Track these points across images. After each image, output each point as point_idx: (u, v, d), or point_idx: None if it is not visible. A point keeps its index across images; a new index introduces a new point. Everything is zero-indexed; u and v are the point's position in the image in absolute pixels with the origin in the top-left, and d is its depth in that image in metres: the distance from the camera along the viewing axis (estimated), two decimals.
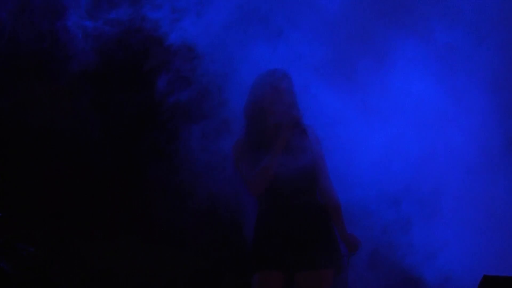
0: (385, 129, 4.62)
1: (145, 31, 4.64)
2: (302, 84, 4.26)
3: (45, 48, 4.71)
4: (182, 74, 4.65)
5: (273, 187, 4.05)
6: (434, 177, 4.65)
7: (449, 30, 4.56)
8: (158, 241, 6.03)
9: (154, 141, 5.48)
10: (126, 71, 5.25)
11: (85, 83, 5.25)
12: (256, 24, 4.59)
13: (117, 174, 5.87)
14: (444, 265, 4.73)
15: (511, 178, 4.67)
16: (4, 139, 5.44)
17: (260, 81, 4.12)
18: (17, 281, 4.36)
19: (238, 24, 4.56)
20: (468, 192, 4.68)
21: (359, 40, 4.49)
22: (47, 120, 5.47)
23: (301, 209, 4.07)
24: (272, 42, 4.57)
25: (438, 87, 4.59)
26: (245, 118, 4.17)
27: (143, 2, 4.65)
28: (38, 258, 4.87)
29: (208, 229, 5.77)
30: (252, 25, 4.57)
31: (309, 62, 4.52)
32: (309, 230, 4.05)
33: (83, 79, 5.13)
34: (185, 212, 5.62)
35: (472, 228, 4.65)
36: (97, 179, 5.92)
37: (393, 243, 4.82)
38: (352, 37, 4.49)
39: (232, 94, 4.42)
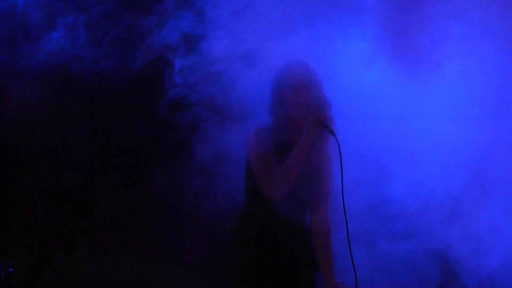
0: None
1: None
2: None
3: None
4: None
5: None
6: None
7: None
8: (154, 258, 5.74)
9: (153, 153, 5.41)
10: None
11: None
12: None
13: (110, 185, 5.69)
14: None
15: None
16: None
17: (288, 70, 3.78)
18: None
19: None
20: None
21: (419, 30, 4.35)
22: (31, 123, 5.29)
23: (293, 225, 3.73)
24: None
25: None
26: (270, 103, 3.81)
27: None
28: (18, 279, 4.47)
29: (209, 246, 5.56)
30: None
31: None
32: (290, 260, 3.73)
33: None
34: (185, 228, 5.56)
35: None
36: (87, 190, 5.69)
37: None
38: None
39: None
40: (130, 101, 5.27)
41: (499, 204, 4.45)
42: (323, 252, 3.82)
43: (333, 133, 3.57)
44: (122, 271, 5.66)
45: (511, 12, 4.28)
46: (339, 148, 3.58)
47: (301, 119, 3.66)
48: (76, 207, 5.62)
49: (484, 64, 4.36)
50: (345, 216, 3.55)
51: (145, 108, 5.24)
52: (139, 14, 4.98)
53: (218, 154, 4.47)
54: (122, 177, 5.63)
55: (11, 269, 4.20)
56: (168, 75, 4.94)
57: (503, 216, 4.45)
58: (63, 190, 5.55)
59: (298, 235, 3.76)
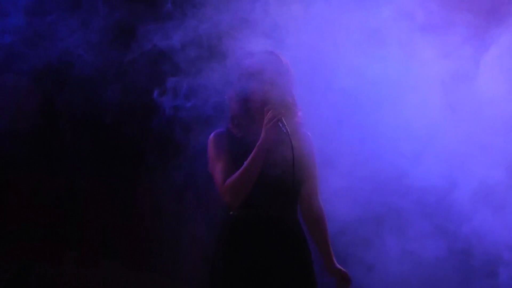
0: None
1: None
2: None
3: None
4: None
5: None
6: None
7: None
8: (145, 268, 5.59)
9: (145, 158, 5.31)
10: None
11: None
12: None
13: (99, 190, 5.51)
14: None
15: None
16: None
17: (254, 60, 3.57)
18: None
19: None
20: None
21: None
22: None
23: (275, 226, 3.52)
24: None
25: None
26: (229, 101, 3.64)
27: None
28: None
29: (204, 257, 5.37)
30: None
31: None
32: (281, 258, 3.50)
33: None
34: (181, 239, 5.45)
35: None
36: (74, 195, 5.49)
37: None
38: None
39: None
40: (119, 106, 5.18)
41: None
42: (320, 238, 3.64)
43: (288, 134, 3.38)
44: (111, 281, 5.51)
45: None
46: (292, 151, 3.38)
47: (260, 117, 3.49)
48: (62, 213, 5.42)
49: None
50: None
51: (133, 113, 5.15)
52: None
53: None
54: (111, 182, 5.50)
55: None
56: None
57: None
58: (48, 195, 5.40)
59: (286, 235, 3.54)
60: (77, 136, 5.31)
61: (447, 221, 4.56)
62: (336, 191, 4.28)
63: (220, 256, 3.51)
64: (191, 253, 5.54)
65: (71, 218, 5.44)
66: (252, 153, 3.44)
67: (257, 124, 3.54)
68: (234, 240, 3.51)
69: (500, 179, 4.37)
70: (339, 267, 3.64)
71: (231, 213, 3.54)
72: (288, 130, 3.39)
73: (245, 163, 3.44)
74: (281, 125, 3.40)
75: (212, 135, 3.61)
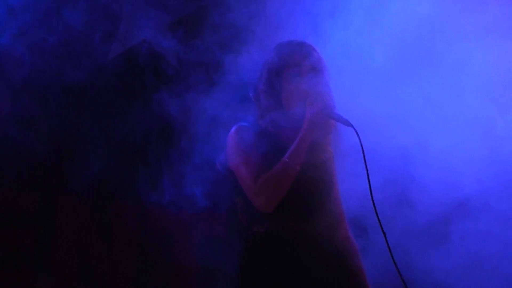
0: None
1: None
2: None
3: None
4: None
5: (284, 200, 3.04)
6: None
7: None
8: None
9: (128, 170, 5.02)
10: None
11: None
12: None
13: (75, 206, 5.22)
14: None
15: None
16: None
17: (292, 49, 3.24)
18: None
19: None
20: None
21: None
22: None
23: (317, 244, 3.07)
24: None
25: None
26: (258, 96, 3.26)
27: None
28: None
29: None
30: None
31: None
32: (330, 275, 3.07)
33: None
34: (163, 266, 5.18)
35: None
36: (47, 213, 5.14)
37: None
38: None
39: None
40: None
41: None
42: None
43: (349, 123, 3.02)
44: None
45: None
46: (360, 142, 2.98)
47: (300, 110, 3.10)
48: (35, 233, 5.09)
49: None
50: (381, 226, 2.95)
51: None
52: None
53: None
54: (89, 198, 5.18)
55: None
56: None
57: None
58: (17, 213, 5.06)
59: (325, 253, 3.09)
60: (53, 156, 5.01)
61: None
62: None
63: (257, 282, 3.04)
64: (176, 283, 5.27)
65: (44, 240, 5.12)
66: (294, 144, 3.04)
67: (291, 122, 3.15)
68: (264, 264, 3.04)
69: None
70: None
71: (255, 229, 3.09)
72: (349, 122, 3.02)
73: (285, 156, 3.01)
74: (336, 116, 3.05)
75: (234, 128, 3.18)
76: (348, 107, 3.34)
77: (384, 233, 2.92)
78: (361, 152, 2.96)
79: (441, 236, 4.17)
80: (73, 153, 4.99)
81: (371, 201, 2.92)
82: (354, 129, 2.97)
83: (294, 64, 3.18)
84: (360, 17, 3.98)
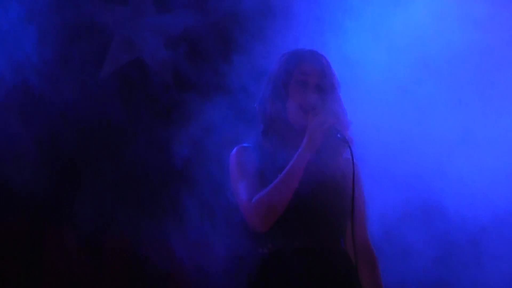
0: None
1: None
2: None
3: None
4: None
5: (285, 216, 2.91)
6: None
7: None
8: None
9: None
10: None
11: None
12: None
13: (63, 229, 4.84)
14: None
15: None
16: None
17: (296, 59, 3.07)
18: None
19: None
20: None
21: None
22: None
23: (320, 260, 2.92)
24: None
25: None
26: (260, 110, 3.11)
27: None
28: None
29: None
30: None
31: None
32: None
33: None
34: None
35: None
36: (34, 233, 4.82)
37: None
38: None
39: None
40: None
41: None
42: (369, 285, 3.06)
43: (346, 142, 2.86)
44: None
45: None
46: (352, 162, 2.87)
47: (304, 124, 2.96)
48: (22, 266, 4.82)
49: None
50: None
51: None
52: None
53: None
54: (82, 230, 4.82)
55: None
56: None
57: None
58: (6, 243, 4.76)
59: (335, 271, 2.93)
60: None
61: None
62: None
63: None
64: None
65: (32, 273, 4.83)
66: (292, 160, 2.88)
67: (296, 137, 2.98)
68: (271, 286, 2.87)
69: None
70: None
71: (259, 251, 2.93)
72: (347, 137, 2.85)
73: (281, 174, 2.86)
74: (334, 132, 2.86)
75: (235, 149, 3.05)
76: (364, 125, 3.26)
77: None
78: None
79: (472, 258, 4.05)
80: (66, 185, 4.74)
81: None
82: (349, 147, 2.84)
83: (301, 74, 3.02)
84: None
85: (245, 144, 3.06)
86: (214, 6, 4.49)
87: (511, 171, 3.87)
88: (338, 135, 2.86)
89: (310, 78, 3.00)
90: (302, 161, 2.87)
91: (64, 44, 4.29)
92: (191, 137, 4.21)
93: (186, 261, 4.51)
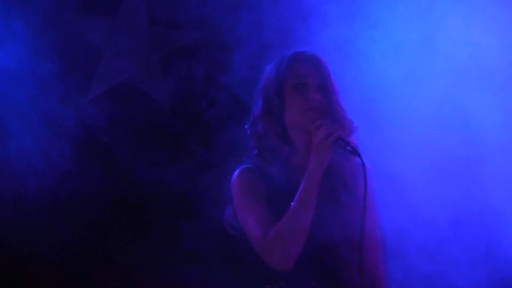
0: None
1: None
2: None
3: None
4: None
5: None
6: None
7: None
8: None
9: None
10: None
11: None
12: None
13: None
14: None
15: None
16: None
17: (291, 63, 2.80)
18: None
19: None
20: None
21: None
22: None
23: None
24: None
25: None
26: (255, 125, 2.86)
27: None
28: None
29: None
30: None
31: None
32: None
33: None
34: None
35: None
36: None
37: None
38: None
39: None
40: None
41: None
42: None
43: (357, 153, 2.63)
44: None
45: None
46: (364, 174, 2.60)
47: (306, 137, 2.72)
48: None
49: None
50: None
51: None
52: None
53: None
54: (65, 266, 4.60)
55: None
56: None
57: None
58: None
59: None
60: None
61: None
62: None
63: None
64: None
65: None
66: (302, 183, 2.63)
67: (298, 154, 2.76)
68: None
69: None
70: None
71: (268, 286, 2.70)
72: (358, 149, 2.62)
73: (294, 202, 2.61)
74: (342, 143, 2.64)
75: (237, 172, 2.78)
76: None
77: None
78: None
79: None
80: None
81: None
82: (361, 159, 2.60)
83: (296, 79, 2.75)
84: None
85: (246, 165, 2.79)
86: (215, 23, 4.34)
87: None
88: (348, 148, 2.63)
89: (308, 79, 2.73)
90: (314, 182, 2.61)
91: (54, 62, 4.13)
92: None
93: None
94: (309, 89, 2.72)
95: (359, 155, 2.59)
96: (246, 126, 2.87)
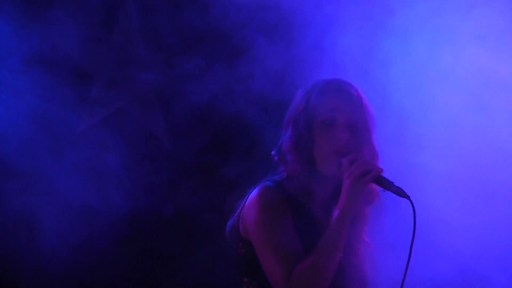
0: None
1: None
2: None
3: None
4: None
5: None
6: None
7: None
8: None
9: None
10: None
11: None
12: None
13: None
14: None
15: None
16: None
17: (325, 93, 2.67)
18: None
19: None
20: None
21: None
22: None
23: None
24: None
25: None
26: (283, 153, 2.72)
27: None
28: None
29: None
30: None
31: None
32: None
33: None
34: None
35: None
36: None
37: None
38: None
39: None
40: None
41: None
42: None
43: (405, 194, 2.50)
44: None
45: None
46: (414, 217, 2.49)
47: (338, 172, 2.59)
48: None
49: None
50: None
51: None
52: None
53: None
54: None
55: None
56: None
57: None
58: None
59: None
60: None
61: None
62: None
63: None
64: None
65: None
66: (332, 222, 2.51)
67: (330, 188, 2.64)
68: None
69: None
70: None
71: None
72: (403, 190, 2.50)
73: (321, 240, 2.50)
74: (386, 183, 2.52)
75: (258, 189, 2.62)
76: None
77: None
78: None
79: None
80: None
81: None
82: (410, 201, 2.47)
83: (325, 114, 2.62)
84: None
85: (269, 183, 2.63)
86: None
87: None
88: (394, 188, 2.49)
89: (337, 115, 2.59)
90: (344, 221, 2.49)
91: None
92: None
93: None
94: (338, 126, 2.57)
95: (408, 197, 2.46)
96: (272, 153, 2.71)
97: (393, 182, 2.52)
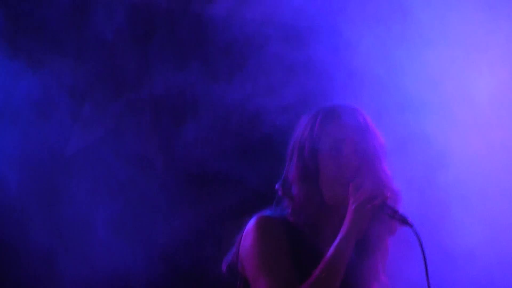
0: None
1: None
2: None
3: None
4: None
5: None
6: None
7: None
8: None
9: None
10: None
11: None
12: None
13: None
14: None
15: None
16: None
17: (332, 119, 2.61)
18: None
19: None
20: None
21: None
22: None
23: None
24: None
25: None
26: (289, 184, 2.64)
27: None
28: None
29: None
30: None
31: None
32: None
33: None
34: None
35: None
36: None
37: None
38: None
39: None
40: None
41: None
42: None
43: (409, 223, 2.47)
44: None
45: None
46: (421, 245, 2.45)
47: (344, 201, 2.53)
48: None
49: None
50: None
51: None
52: None
53: None
54: None
55: None
56: None
57: None
58: None
59: None
60: None
61: None
62: None
63: None
64: None
65: None
66: (331, 250, 2.45)
67: (333, 213, 2.56)
68: None
69: None
70: None
71: None
72: (408, 219, 2.45)
73: (319, 268, 2.42)
74: (389, 211, 2.47)
75: (255, 219, 2.57)
76: None
77: None
78: None
79: None
80: None
81: None
82: (414, 230, 2.44)
83: (330, 142, 2.57)
84: None
85: (267, 213, 2.59)
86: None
87: None
88: (397, 216, 2.45)
89: (343, 144, 2.53)
90: (346, 249, 2.44)
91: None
92: None
93: None
94: (344, 155, 2.52)
95: (411, 226, 2.42)
96: (276, 186, 2.63)
97: (397, 210, 2.47)
